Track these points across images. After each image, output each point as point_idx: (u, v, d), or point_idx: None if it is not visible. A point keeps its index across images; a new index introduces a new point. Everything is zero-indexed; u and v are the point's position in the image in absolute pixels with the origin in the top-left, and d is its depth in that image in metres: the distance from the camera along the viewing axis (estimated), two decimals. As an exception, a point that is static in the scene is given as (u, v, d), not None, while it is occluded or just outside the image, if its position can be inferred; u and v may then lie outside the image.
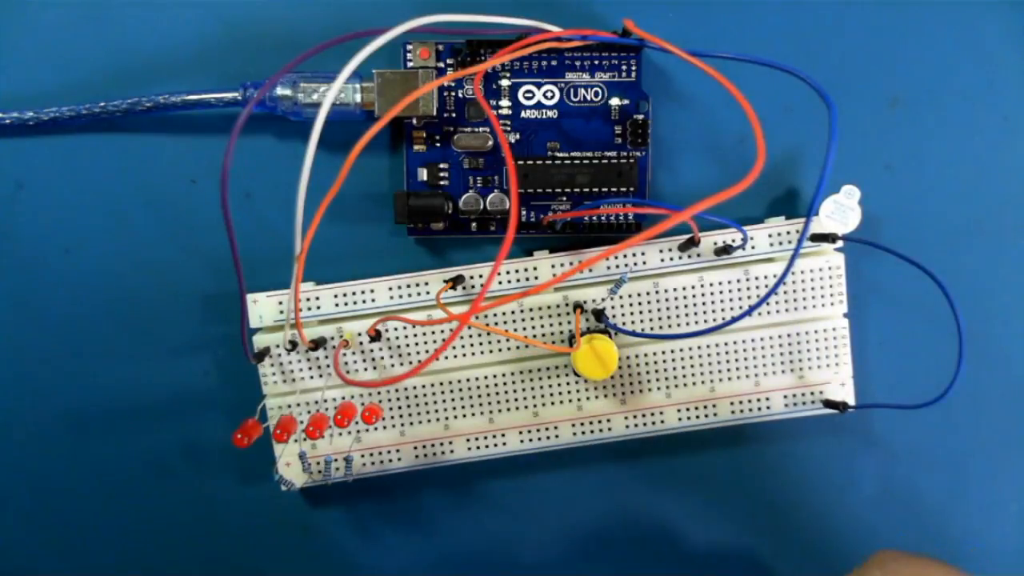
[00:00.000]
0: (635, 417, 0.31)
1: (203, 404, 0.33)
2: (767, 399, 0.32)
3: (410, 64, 0.30)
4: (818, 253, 0.31)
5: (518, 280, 0.30)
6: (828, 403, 0.31)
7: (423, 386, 0.31)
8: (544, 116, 0.31)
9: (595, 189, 0.31)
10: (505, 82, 0.31)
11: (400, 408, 0.31)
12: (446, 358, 0.31)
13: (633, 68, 0.31)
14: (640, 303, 0.31)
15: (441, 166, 0.31)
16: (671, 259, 0.31)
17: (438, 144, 0.31)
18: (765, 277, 0.31)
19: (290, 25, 0.31)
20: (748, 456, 0.34)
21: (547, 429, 0.31)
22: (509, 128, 0.31)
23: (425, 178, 0.31)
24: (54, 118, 0.30)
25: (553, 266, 0.31)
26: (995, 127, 0.32)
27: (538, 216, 0.31)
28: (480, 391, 0.31)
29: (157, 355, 0.32)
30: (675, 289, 0.31)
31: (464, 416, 0.31)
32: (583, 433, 0.31)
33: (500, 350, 0.31)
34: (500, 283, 0.30)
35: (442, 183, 0.31)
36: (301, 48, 0.26)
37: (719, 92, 0.25)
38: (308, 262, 0.26)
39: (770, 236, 0.30)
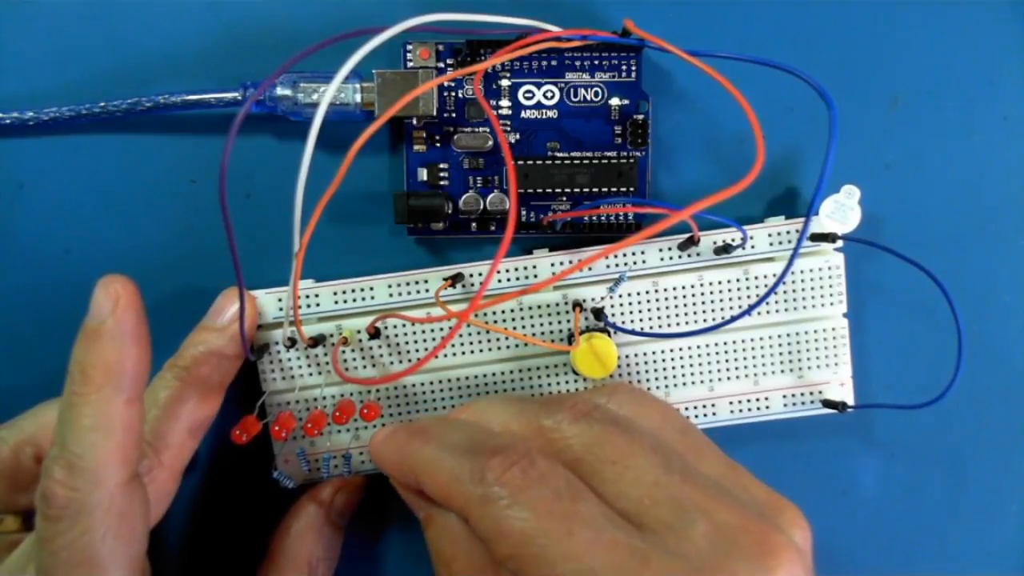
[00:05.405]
0: (635, 417, 0.31)
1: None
2: (767, 399, 0.32)
3: (410, 64, 0.30)
4: (818, 253, 0.31)
5: (517, 278, 0.30)
6: (828, 403, 0.31)
7: (422, 384, 0.31)
8: (544, 116, 0.31)
9: (595, 189, 0.31)
10: (505, 82, 0.31)
11: (399, 406, 0.31)
12: (445, 356, 0.31)
13: (633, 68, 0.31)
14: (639, 302, 0.31)
15: (441, 166, 0.31)
16: (671, 258, 0.31)
17: (438, 144, 0.31)
18: (765, 277, 0.31)
19: (290, 25, 0.31)
20: (748, 456, 0.34)
21: (547, 429, 0.31)
22: (509, 128, 0.31)
23: (425, 178, 0.31)
24: (54, 118, 0.30)
25: (552, 264, 0.31)
26: (995, 127, 0.32)
27: (538, 216, 0.31)
28: (479, 389, 0.31)
29: (157, 354, 0.32)
30: (674, 288, 0.31)
31: (464, 415, 0.31)
32: (583, 433, 0.31)
33: (499, 348, 0.31)
34: (499, 281, 0.30)
35: (442, 183, 0.31)
36: (301, 48, 0.26)
37: (719, 92, 0.25)
38: (308, 263, 0.26)
39: (770, 236, 0.30)
